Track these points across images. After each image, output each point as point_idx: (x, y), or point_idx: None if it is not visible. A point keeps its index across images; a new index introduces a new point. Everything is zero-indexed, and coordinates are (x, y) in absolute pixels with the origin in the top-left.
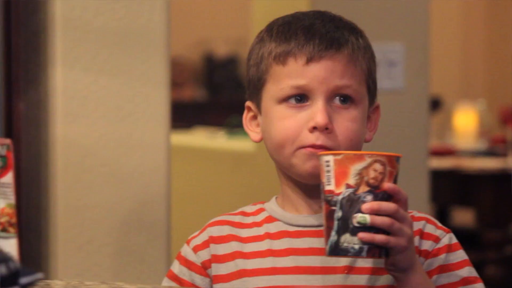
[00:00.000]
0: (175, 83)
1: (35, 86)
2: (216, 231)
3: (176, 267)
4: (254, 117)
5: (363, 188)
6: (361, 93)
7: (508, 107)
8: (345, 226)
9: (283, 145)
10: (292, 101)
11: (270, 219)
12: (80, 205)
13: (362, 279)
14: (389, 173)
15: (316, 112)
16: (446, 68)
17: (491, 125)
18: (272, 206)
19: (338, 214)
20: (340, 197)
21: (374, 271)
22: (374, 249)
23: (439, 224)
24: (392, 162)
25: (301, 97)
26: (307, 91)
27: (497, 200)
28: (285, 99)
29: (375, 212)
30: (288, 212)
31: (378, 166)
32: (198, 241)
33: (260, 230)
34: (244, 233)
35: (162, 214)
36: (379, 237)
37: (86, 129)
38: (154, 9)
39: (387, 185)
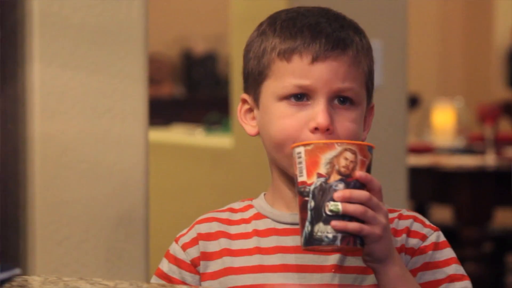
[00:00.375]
0: (153, 80)
1: (13, 82)
2: (204, 228)
3: (165, 266)
4: (250, 110)
5: (335, 177)
6: (361, 95)
7: (485, 105)
8: (318, 216)
9: (283, 144)
10: (293, 99)
11: (258, 216)
12: (58, 201)
13: (349, 278)
14: (361, 162)
15: (318, 112)
16: (424, 65)
17: (469, 123)
18: (260, 203)
19: (311, 204)
20: (312, 187)
21: (361, 271)
22: (348, 238)
23: (427, 223)
24: (364, 151)
25: (301, 95)
26: (310, 91)
27: (475, 198)
28: (286, 97)
29: (347, 200)
30: (277, 210)
31: (349, 155)
32: (186, 238)
33: (248, 227)
34: (233, 230)
35: (140, 210)
36: (352, 225)
37: (64, 125)
38: (132, 5)
39: (359, 173)
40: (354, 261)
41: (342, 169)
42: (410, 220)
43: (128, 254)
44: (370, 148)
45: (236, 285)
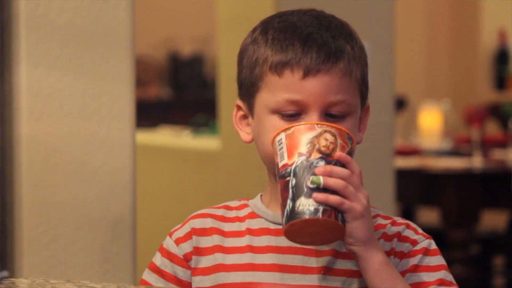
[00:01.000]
0: (140, 82)
1: None
2: (198, 223)
3: (158, 259)
4: (245, 117)
5: (315, 155)
6: (354, 104)
7: (472, 107)
8: (300, 191)
9: None
10: (286, 112)
11: (252, 215)
12: (46, 203)
13: (338, 281)
14: (341, 146)
15: None
16: (411, 67)
17: (455, 125)
18: (256, 203)
19: (292, 182)
20: (293, 166)
21: (350, 274)
22: (330, 211)
23: (420, 231)
24: (343, 136)
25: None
26: (302, 105)
27: (462, 200)
28: (278, 110)
29: (328, 175)
30: (271, 210)
31: (328, 136)
32: (180, 233)
33: (242, 226)
34: (227, 227)
35: (127, 213)
36: (333, 197)
37: (51, 128)
38: (119, 7)
39: (339, 153)
40: (343, 264)
41: (323, 148)
42: (403, 227)
43: (116, 256)
44: (350, 137)
45: (226, 282)
